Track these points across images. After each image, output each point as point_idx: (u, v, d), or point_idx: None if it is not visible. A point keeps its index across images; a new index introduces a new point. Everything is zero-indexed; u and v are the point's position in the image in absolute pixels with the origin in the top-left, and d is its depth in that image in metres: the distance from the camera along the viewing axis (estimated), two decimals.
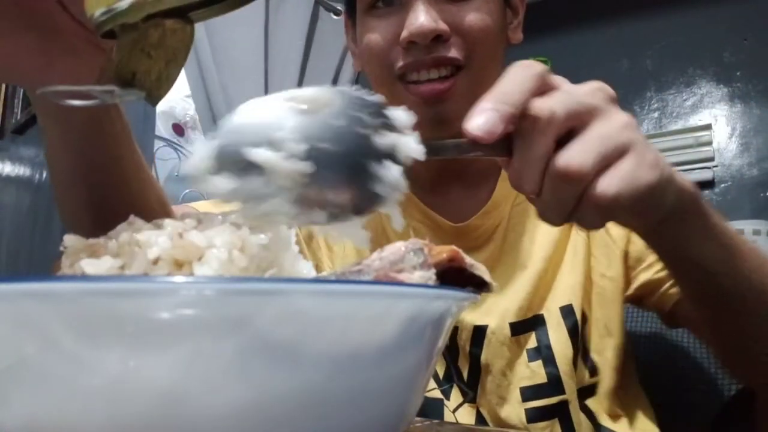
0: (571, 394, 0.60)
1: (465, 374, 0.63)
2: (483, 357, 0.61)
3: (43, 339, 0.17)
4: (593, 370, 0.62)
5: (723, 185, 2.42)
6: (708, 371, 0.73)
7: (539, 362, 0.61)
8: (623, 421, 0.62)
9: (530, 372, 0.61)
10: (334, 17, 2.24)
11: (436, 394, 0.64)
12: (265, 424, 0.19)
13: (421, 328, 0.22)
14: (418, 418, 0.50)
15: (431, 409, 0.63)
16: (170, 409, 0.18)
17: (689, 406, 0.74)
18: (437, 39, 0.56)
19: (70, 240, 0.24)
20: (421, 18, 0.55)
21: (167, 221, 0.24)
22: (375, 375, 0.21)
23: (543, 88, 0.33)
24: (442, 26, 0.56)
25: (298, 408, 0.19)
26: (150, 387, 0.17)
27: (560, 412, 0.60)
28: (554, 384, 0.60)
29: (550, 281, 0.62)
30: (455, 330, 0.62)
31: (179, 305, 0.17)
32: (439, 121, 0.58)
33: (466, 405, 0.63)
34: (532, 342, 0.61)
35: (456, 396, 0.63)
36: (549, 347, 0.61)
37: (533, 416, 0.60)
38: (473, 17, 0.57)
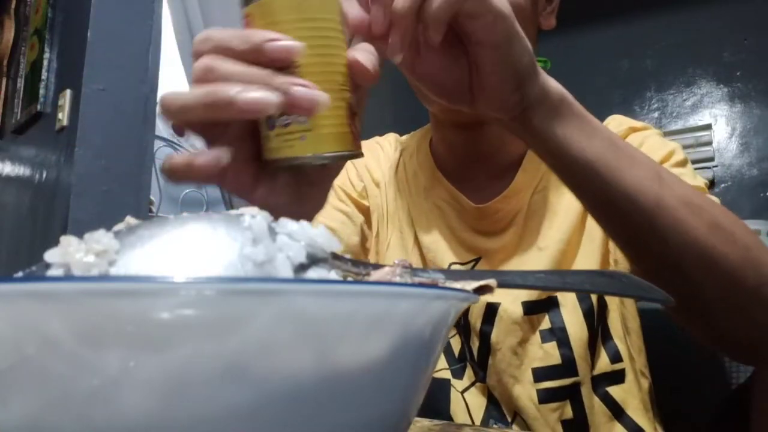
0: (584, 376, 0.62)
1: (475, 352, 0.64)
2: (493, 335, 0.63)
3: (43, 339, 0.17)
4: (616, 357, 0.63)
5: (723, 185, 2.42)
6: (707, 368, 0.73)
7: (553, 343, 0.62)
8: (649, 418, 0.63)
9: (543, 353, 0.62)
10: None
11: (445, 374, 0.65)
12: (265, 424, 0.19)
13: (421, 328, 0.22)
14: (435, 421, 0.51)
15: (437, 390, 0.64)
16: (170, 409, 0.18)
17: (689, 404, 0.74)
18: None
19: (52, 257, 0.22)
20: None
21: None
22: (375, 375, 0.21)
23: None
24: None
25: (298, 408, 0.19)
26: (150, 387, 0.17)
27: (572, 394, 0.62)
28: (568, 366, 0.62)
29: (567, 265, 0.64)
30: (467, 308, 0.64)
31: (179, 305, 0.17)
32: None
33: (477, 384, 0.64)
34: (545, 323, 0.63)
35: (469, 375, 0.65)
36: (563, 329, 0.62)
37: (544, 397, 0.61)
38: None
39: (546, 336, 0.62)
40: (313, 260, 0.23)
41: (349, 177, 0.76)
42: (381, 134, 0.81)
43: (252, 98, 0.32)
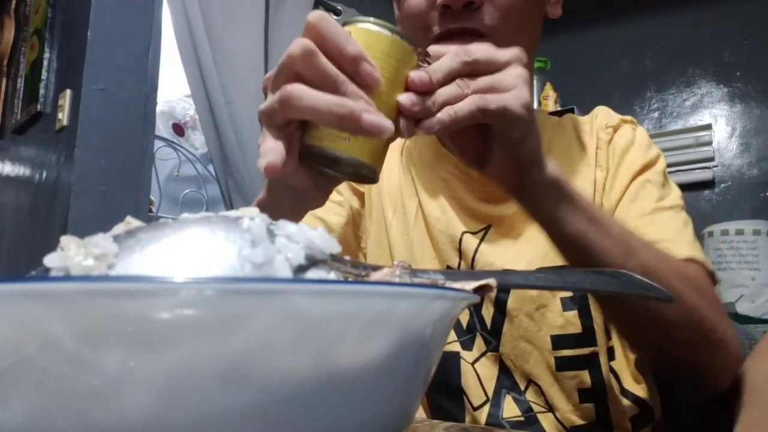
0: (601, 347, 0.63)
1: (488, 322, 0.65)
2: (510, 301, 0.64)
3: (43, 339, 0.17)
4: (608, 331, 0.65)
5: (723, 185, 2.42)
6: None
7: (575, 312, 0.63)
8: (643, 387, 0.65)
9: (564, 321, 0.63)
10: (334, 17, 2.24)
11: (454, 347, 0.65)
12: (265, 424, 0.19)
13: (421, 328, 0.22)
14: (439, 421, 0.51)
15: (447, 363, 0.64)
16: (170, 409, 0.18)
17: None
18: (470, 5, 0.58)
19: (51, 261, 0.22)
20: None
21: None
22: (375, 375, 0.21)
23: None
24: None
25: (298, 408, 0.19)
26: (150, 387, 0.17)
27: (591, 363, 0.63)
28: (588, 335, 0.63)
29: None
30: None
31: (179, 305, 0.17)
32: None
33: (488, 354, 0.65)
34: (566, 291, 0.63)
35: (479, 346, 0.65)
36: (585, 297, 0.63)
37: (562, 365, 0.62)
38: None
39: (567, 304, 0.63)
40: (312, 262, 0.23)
41: None
42: None
43: (374, 122, 0.39)
